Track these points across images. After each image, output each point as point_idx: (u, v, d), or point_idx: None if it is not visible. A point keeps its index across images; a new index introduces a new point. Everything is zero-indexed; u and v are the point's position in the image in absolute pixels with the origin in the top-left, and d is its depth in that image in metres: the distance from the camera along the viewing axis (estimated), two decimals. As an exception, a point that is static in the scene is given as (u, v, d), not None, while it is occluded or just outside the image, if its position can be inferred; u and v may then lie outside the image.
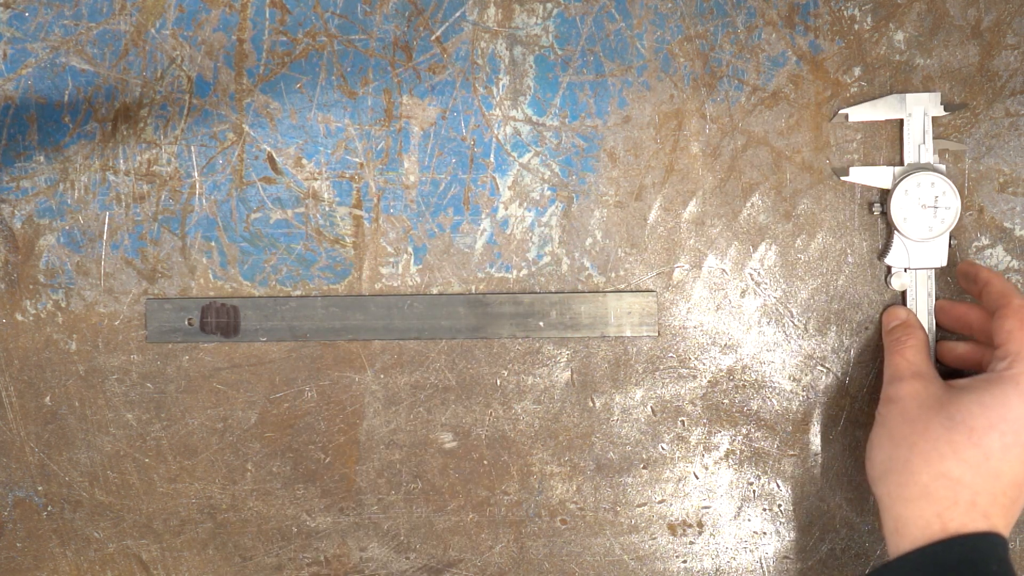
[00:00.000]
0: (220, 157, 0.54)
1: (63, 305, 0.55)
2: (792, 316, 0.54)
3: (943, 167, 0.52)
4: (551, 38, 0.53)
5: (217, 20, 0.54)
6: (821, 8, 0.53)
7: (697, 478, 0.55)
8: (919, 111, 0.52)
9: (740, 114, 0.53)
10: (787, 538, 0.55)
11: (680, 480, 0.55)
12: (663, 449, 0.55)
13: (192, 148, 0.54)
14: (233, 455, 0.56)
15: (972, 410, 0.43)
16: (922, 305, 0.53)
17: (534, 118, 0.54)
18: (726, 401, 0.55)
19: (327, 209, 0.54)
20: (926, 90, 0.53)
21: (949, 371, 0.52)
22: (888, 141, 0.53)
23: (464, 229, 0.54)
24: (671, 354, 0.55)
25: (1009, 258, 0.54)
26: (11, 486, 0.56)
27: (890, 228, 0.53)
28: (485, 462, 0.55)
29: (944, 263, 0.52)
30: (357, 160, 0.54)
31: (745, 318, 0.54)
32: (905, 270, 0.53)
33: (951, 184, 0.51)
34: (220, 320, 0.55)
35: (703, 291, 0.54)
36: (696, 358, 0.55)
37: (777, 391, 0.55)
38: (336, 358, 0.55)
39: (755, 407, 0.55)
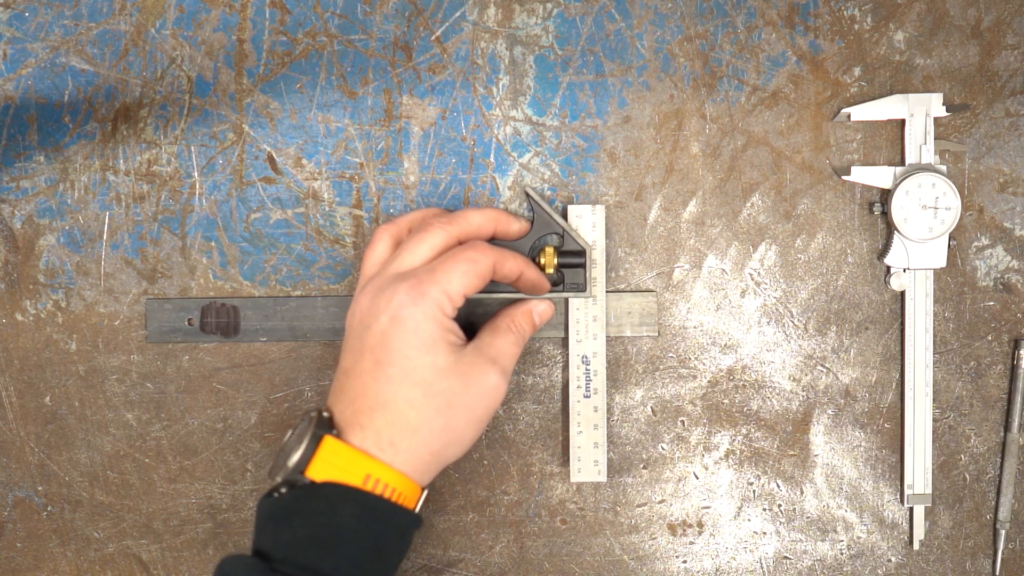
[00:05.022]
0: (220, 157, 0.54)
1: (63, 305, 0.55)
2: (792, 316, 0.54)
3: (944, 168, 0.52)
4: (551, 38, 0.53)
5: (217, 20, 0.54)
6: (821, 8, 0.53)
7: (697, 478, 0.55)
8: (921, 111, 0.52)
9: (740, 114, 0.53)
10: (787, 538, 0.55)
11: (680, 480, 0.55)
12: (663, 449, 0.55)
13: (192, 148, 0.54)
14: (233, 455, 0.56)
15: None
16: (920, 305, 0.53)
17: (534, 118, 0.54)
18: (726, 401, 0.55)
19: (327, 209, 0.54)
20: (926, 90, 0.53)
21: None
22: (888, 141, 0.53)
23: (464, 229, 0.54)
24: (671, 354, 0.55)
25: (1009, 258, 0.54)
26: (11, 486, 0.56)
27: (890, 228, 0.53)
28: (485, 462, 0.55)
29: (944, 264, 0.52)
30: (357, 160, 0.54)
31: (745, 318, 0.54)
32: (904, 270, 0.53)
33: (952, 185, 0.51)
34: (220, 320, 0.55)
35: (703, 291, 0.54)
36: (696, 358, 0.55)
37: (777, 391, 0.55)
38: (336, 358, 0.55)
39: (755, 407, 0.55)
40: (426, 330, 0.43)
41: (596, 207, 0.53)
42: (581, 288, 0.52)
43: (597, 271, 0.53)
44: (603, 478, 0.54)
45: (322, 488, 0.42)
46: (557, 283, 0.52)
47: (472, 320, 0.53)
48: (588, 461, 0.54)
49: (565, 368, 0.55)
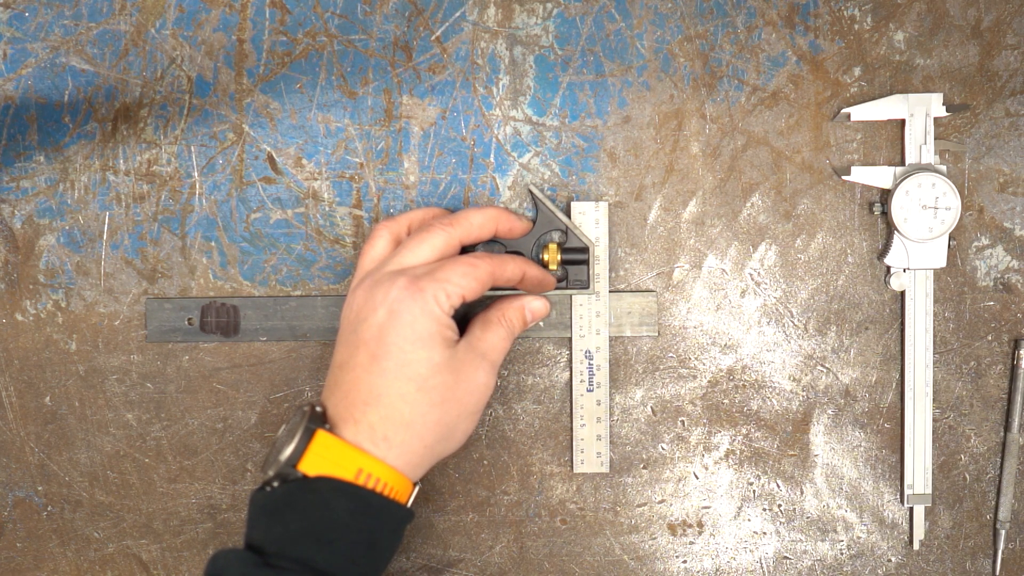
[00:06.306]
0: (220, 157, 0.54)
1: (63, 305, 0.55)
2: (792, 316, 0.54)
3: (944, 168, 0.52)
4: (551, 38, 0.53)
5: (217, 20, 0.54)
6: (821, 8, 0.53)
7: (697, 478, 0.55)
8: (921, 111, 0.52)
9: (740, 114, 0.53)
10: (787, 538, 0.55)
11: (680, 480, 0.55)
12: (663, 449, 0.55)
13: (192, 148, 0.54)
14: (233, 455, 0.56)
15: None
16: (920, 305, 0.53)
17: (534, 118, 0.54)
18: (726, 401, 0.55)
19: (327, 209, 0.54)
20: (926, 90, 0.53)
21: None
22: (888, 141, 0.53)
23: (464, 229, 0.54)
24: (671, 354, 0.55)
25: (1009, 258, 0.54)
26: (11, 486, 0.56)
27: (890, 228, 0.53)
28: (485, 462, 0.55)
29: (944, 264, 0.52)
30: (357, 160, 0.54)
31: (745, 318, 0.54)
32: (904, 270, 0.53)
33: (952, 185, 0.51)
34: (220, 320, 0.55)
35: (703, 291, 0.54)
36: (696, 358, 0.55)
37: (777, 391, 0.55)
38: (336, 358, 0.55)
39: (755, 407, 0.55)
40: (423, 325, 0.43)
41: (599, 204, 0.53)
42: (584, 285, 0.52)
43: (600, 267, 0.53)
44: (606, 469, 0.54)
45: (315, 482, 0.42)
46: (561, 280, 0.52)
47: (470, 317, 0.53)
48: (591, 453, 0.54)
49: (568, 365, 0.55)
